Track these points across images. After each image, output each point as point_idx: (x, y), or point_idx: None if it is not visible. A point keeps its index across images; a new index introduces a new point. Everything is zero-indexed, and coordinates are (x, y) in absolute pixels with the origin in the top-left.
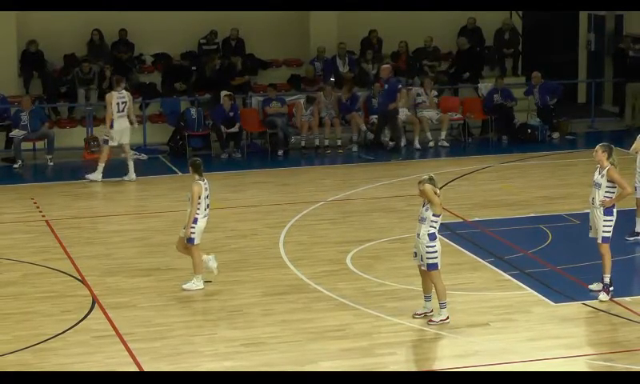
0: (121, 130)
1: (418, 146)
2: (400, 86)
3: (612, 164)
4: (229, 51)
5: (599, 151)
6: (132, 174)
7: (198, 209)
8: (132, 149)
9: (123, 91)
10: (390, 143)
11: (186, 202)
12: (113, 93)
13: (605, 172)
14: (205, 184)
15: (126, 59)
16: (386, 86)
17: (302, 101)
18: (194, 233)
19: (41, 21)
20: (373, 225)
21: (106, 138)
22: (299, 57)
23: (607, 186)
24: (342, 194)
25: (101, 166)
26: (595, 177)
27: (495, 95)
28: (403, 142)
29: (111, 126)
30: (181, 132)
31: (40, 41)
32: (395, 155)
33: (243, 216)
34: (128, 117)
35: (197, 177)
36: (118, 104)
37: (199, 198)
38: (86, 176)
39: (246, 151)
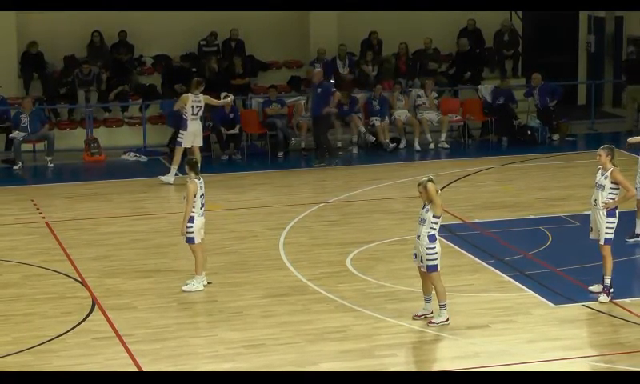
0: (193, 133)
1: (418, 147)
2: (334, 89)
3: (615, 165)
4: (229, 53)
5: (602, 155)
6: (171, 177)
7: (194, 207)
8: (132, 151)
9: (200, 95)
10: (391, 145)
11: (183, 202)
12: (189, 95)
13: (608, 174)
14: (200, 183)
15: (126, 61)
16: (319, 90)
17: (302, 102)
18: (192, 232)
19: (41, 22)
20: (373, 226)
21: (179, 140)
22: (299, 58)
23: (611, 188)
24: (342, 196)
25: (174, 168)
26: (597, 178)
27: (499, 96)
28: (381, 144)
29: (185, 128)
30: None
31: (40, 42)
32: (317, 161)
33: (243, 217)
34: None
35: (192, 175)
36: (192, 107)
37: (194, 196)
38: (160, 177)
39: (245, 153)
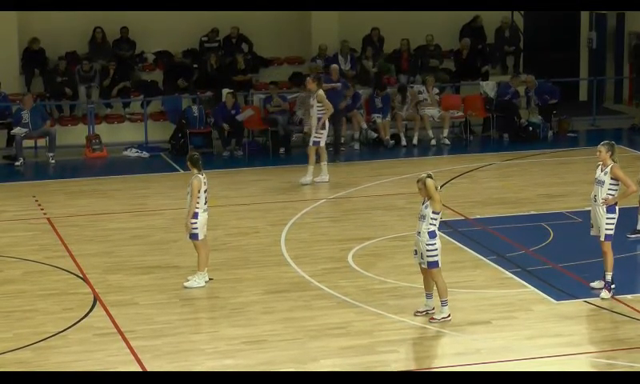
0: (327, 129)
1: (415, 141)
2: (349, 86)
3: (615, 162)
4: (230, 49)
5: (602, 151)
6: (325, 175)
7: (198, 203)
8: (133, 147)
9: None
10: (391, 142)
11: (186, 199)
12: (321, 92)
13: (608, 170)
14: (204, 179)
15: (128, 57)
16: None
17: (301, 95)
18: (196, 228)
19: (42, 19)
20: (374, 222)
21: (317, 139)
22: (301, 55)
23: (610, 184)
24: (344, 192)
25: (310, 168)
26: (597, 174)
27: (506, 93)
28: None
29: (324, 127)
30: (182, 130)
31: (41, 39)
32: (339, 157)
33: (244, 214)
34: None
35: (195, 171)
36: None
37: (198, 192)
38: (300, 181)
39: (247, 149)
